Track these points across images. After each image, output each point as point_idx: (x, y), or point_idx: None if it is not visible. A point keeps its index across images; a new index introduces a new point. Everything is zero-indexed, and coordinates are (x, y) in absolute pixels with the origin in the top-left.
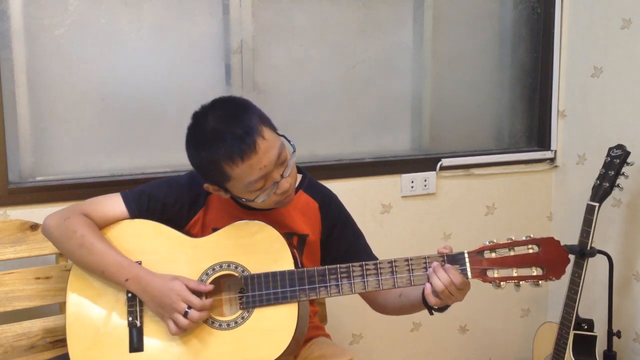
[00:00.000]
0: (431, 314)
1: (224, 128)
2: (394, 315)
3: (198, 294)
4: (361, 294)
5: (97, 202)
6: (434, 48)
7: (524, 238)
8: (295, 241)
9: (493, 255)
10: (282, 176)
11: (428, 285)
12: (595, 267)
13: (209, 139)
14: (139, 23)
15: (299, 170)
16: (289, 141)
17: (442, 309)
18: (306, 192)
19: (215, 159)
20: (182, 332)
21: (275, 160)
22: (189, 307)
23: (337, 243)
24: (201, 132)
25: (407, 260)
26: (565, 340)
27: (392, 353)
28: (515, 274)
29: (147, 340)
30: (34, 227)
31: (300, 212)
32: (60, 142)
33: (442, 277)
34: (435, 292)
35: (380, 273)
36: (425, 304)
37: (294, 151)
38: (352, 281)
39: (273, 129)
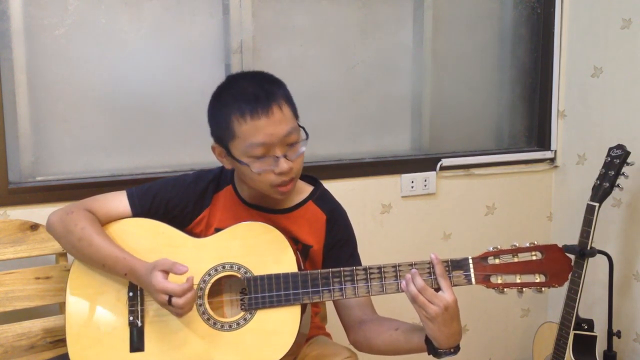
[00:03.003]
0: (429, 353)
1: (250, 88)
2: (377, 353)
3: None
4: (345, 325)
5: (101, 199)
6: (434, 48)
7: (527, 245)
8: (300, 249)
9: (497, 261)
10: (285, 156)
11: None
12: (595, 267)
13: (232, 93)
14: (139, 23)
15: (313, 181)
16: (306, 132)
17: (445, 353)
18: (316, 203)
19: (228, 111)
20: (181, 316)
21: (283, 136)
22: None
23: (333, 260)
24: (228, 87)
25: (411, 265)
26: (565, 340)
27: None
28: (518, 280)
29: (147, 340)
30: (34, 227)
31: (308, 223)
32: (60, 142)
33: (417, 283)
34: (412, 300)
35: (384, 277)
36: (427, 342)
37: (307, 137)
38: (356, 284)
39: (295, 113)
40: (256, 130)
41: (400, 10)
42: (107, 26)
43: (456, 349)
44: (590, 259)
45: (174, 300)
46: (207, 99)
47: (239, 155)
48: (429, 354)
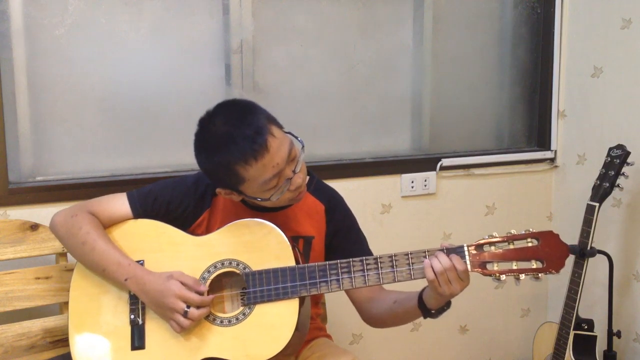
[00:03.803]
0: (425, 317)
1: (234, 131)
2: (386, 326)
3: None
4: (356, 304)
5: (104, 201)
6: (434, 48)
7: (523, 232)
8: (301, 244)
9: (493, 248)
10: (294, 172)
11: (428, 270)
12: (595, 267)
13: (220, 143)
14: (139, 23)
15: (307, 172)
16: (296, 137)
17: (438, 311)
18: (313, 194)
19: (229, 162)
20: (185, 330)
21: (287, 157)
22: (189, 306)
23: (339, 247)
24: (210, 138)
25: (407, 254)
26: (565, 340)
27: (392, 353)
28: (515, 267)
29: (148, 338)
30: (34, 227)
31: (307, 214)
32: (60, 142)
33: (442, 260)
34: (433, 272)
35: (381, 267)
36: (420, 307)
37: (303, 146)
38: (353, 276)
39: (280, 127)
40: (264, 167)
41: (400, 10)
42: (107, 26)
43: (448, 305)
44: (590, 259)
45: (191, 311)
46: (208, 99)
47: (254, 194)
48: (424, 318)
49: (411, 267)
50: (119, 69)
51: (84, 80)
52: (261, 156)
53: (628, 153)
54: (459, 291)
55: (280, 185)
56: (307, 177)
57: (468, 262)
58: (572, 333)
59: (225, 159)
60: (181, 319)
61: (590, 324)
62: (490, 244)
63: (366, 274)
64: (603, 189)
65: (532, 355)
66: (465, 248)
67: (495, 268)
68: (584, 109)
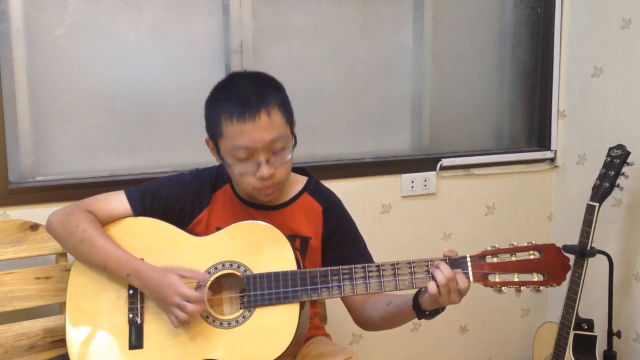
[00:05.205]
0: (419, 318)
1: (244, 90)
2: (379, 329)
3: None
4: (349, 307)
5: (101, 199)
6: (434, 48)
7: (525, 244)
8: (298, 244)
9: (495, 260)
10: (267, 161)
11: (432, 284)
12: (595, 267)
13: (227, 92)
14: (139, 23)
15: (306, 172)
16: (295, 140)
17: (431, 314)
18: (311, 194)
19: (219, 110)
20: (183, 325)
21: (268, 142)
22: (185, 300)
23: (336, 248)
24: (225, 87)
25: (409, 262)
26: (565, 340)
27: (392, 353)
28: (516, 279)
29: (147, 338)
30: (34, 227)
31: (304, 215)
32: (60, 142)
33: (445, 272)
34: (436, 285)
35: (383, 275)
36: (415, 308)
37: (294, 145)
38: (354, 282)
39: (289, 120)
40: (241, 133)
41: (400, 10)
42: (107, 26)
43: (443, 307)
44: (590, 259)
45: (186, 305)
46: None
47: (224, 154)
48: (419, 319)
49: (413, 277)
50: (119, 69)
51: (84, 80)
52: (243, 120)
53: (628, 153)
54: (458, 302)
55: (248, 162)
56: (305, 180)
57: (470, 273)
58: (572, 333)
59: (219, 105)
60: (179, 312)
61: (590, 324)
62: (492, 254)
63: (368, 281)
64: (603, 189)
65: (532, 355)
66: (468, 259)
67: (497, 280)
68: (584, 109)
